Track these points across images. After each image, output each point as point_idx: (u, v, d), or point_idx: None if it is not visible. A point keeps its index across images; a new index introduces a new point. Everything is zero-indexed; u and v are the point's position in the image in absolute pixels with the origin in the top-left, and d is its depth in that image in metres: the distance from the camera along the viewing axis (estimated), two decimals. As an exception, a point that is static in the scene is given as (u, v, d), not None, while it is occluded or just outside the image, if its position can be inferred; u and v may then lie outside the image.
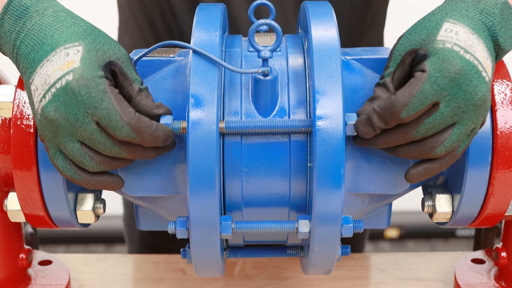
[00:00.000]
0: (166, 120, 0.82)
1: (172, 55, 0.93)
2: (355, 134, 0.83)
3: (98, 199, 0.93)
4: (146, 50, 0.90)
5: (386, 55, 0.93)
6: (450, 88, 0.78)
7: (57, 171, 0.83)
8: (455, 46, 0.79)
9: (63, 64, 0.78)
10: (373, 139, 0.83)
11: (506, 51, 0.86)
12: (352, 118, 0.83)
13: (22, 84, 0.88)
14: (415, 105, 0.78)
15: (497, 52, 0.85)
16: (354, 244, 1.30)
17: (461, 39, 0.80)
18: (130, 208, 1.39)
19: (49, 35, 0.80)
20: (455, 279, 1.07)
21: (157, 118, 0.83)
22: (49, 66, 0.79)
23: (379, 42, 1.34)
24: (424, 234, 3.05)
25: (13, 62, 0.85)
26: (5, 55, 0.86)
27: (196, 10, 0.91)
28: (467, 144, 0.83)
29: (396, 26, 1.31)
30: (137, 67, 0.89)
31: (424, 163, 0.84)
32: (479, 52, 0.80)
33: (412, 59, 0.83)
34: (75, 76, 0.77)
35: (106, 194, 0.98)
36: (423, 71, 0.79)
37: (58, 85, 0.77)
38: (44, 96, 0.78)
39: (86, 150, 0.79)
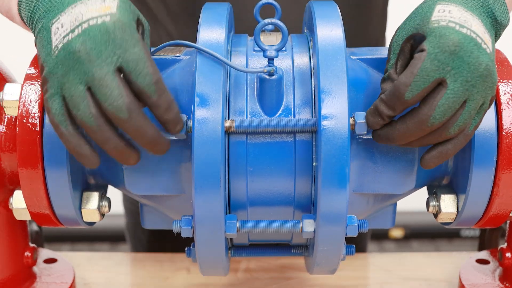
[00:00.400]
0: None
1: (178, 54, 0.93)
2: (365, 132, 0.83)
3: (103, 197, 0.94)
4: (153, 49, 0.90)
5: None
6: (452, 62, 0.77)
7: (47, 113, 0.78)
8: (450, 23, 0.79)
9: (100, 7, 0.78)
10: (390, 132, 0.81)
11: (504, 25, 0.85)
12: (362, 117, 0.83)
13: (27, 82, 0.88)
14: (418, 84, 0.77)
15: (496, 28, 0.85)
16: (357, 243, 1.30)
17: (454, 16, 0.80)
18: (134, 215, 1.39)
19: None
20: (460, 279, 1.07)
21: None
22: (83, 7, 0.78)
23: (381, 42, 1.34)
24: (428, 234, 3.05)
25: (23, 9, 0.84)
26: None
27: (202, 9, 0.92)
28: (478, 122, 0.82)
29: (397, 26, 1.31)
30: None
31: (437, 146, 0.83)
32: (475, 26, 0.80)
33: (411, 46, 0.83)
34: (112, 18, 0.77)
35: (111, 193, 0.98)
36: (422, 51, 0.79)
37: (91, 22, 0.76)
38: (72, 31, 0.77)
39: (88, 96, 0.76)
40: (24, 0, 0.84)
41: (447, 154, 0.83)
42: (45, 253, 1.14)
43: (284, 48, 0.92)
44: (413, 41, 0.83)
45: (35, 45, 0.82)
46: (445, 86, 0.78)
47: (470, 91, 0.78)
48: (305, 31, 0.99)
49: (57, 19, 0.79)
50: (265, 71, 0.85)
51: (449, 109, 0.78)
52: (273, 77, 0.85)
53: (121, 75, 0.76)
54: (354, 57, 0.93)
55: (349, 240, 0.94)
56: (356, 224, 0.85)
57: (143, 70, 0.76)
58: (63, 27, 0.78)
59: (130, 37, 0.77)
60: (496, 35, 0.86)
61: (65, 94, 0.76)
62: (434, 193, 0.95)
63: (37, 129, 0.86)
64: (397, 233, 3.03)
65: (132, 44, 0.76)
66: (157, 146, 0.80)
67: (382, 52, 0.95)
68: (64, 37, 0.77)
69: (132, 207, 1.39)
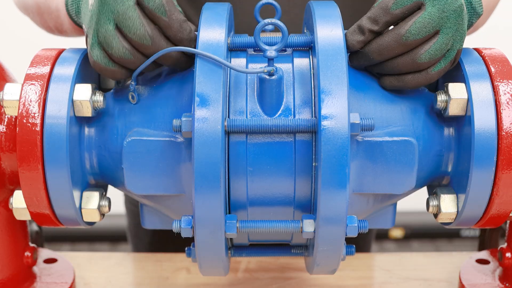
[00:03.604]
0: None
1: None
2: (358, 132, 0.83)
3: (104, 197, 0.94)
4: (152, 56, 0.89)
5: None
6: None
7: (93, 64, 0.89)
8: None
9: None
10: (369, 48, 0.87)
11: (478, 13, 0.92)
12: (357, 118, 0.83)
13: (27, 82, 0.88)
14: (402, 0, 0.86)
15: (470, 13, 0.92)
16: (361, 245, 1.30)
17: None
18: (136, 216, 1.39)
19: None
20: (460, 279, 1.07)
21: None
22: None
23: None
24: (428, 234, 3.05)
25: (70, 5, 0.99)
26: None
27: (202, 9, 0.92)
28: (443, 67, 0.88)
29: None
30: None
31: (404, 75, 0.89)
32: None
33: None
34: None
35: (110, 193, 0.98)
36: None
37: None
38: None
39: (117, 33, 0.86)
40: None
41: (404, 82, 0.89)
42: (45, 253, 1.14)
43: (284, 48, 0.92)
44: None
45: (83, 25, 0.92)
46: (423, 9, 0.86)
47: (443, 21, 0.86)
48: (305, 31, 0.99)
49: None
50: (265, 71, 0.85)
51: (424, 29, 0.86)
52: (273, 77, 0.85)
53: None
54: (354, 57, 0.93)
55: (354, 240, 0.94)
56: (356, 224, 0.85)
57: None
58: None
59: None
60: (469, 21, 0.92)
61: (100, 39, 0.87)
62: (434, 193, 0.95)
63: (37, 129, 0.86)
64: (397, 233, 3.03)
65: None
66: (181, 65, 0.90)
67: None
68: None
69: (134, 208, 1.39)
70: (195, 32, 0.88)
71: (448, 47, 0.88)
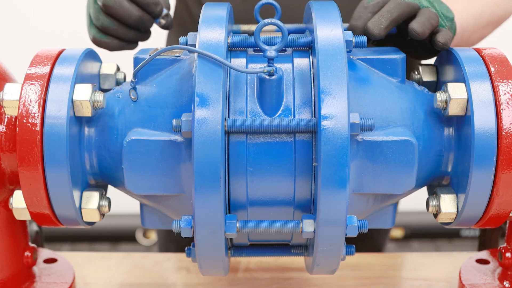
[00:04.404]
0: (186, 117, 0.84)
1: (177, 54, 0.93)
2: (358, 132, 0.83)
3: (104, 197, 0.94)
4: (153, 55, 0.90)
5: (392, 55, 0.93)
6: None
7: (91, 40, 1.06)
8: None
9: None
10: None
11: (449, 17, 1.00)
12: (357, 118, 0.83)
13: (27, 82, 0.88)
14: None
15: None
16: (377, 242, 1.30)
17: None
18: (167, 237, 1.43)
19: None
20: (460, 279, 1.07)
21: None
22: None
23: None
24: (428, 234, 3.04)
25: None
26: None
27: (202, 9, 0.92)
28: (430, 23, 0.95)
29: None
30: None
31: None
32: None
33: None
34: None
35: (110, 193, 0.98)
36: None
37: None
38: None
39: (101, 9, 1.02)
40: None
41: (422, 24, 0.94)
42: (45, 253, 1.14)
43: (284, 48, 0.92)
44: None
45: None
46: None
47: None
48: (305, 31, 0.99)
49: None
50: (265, 71, 0.85)
51: None
52: (273, 77, 0.85)
53: None
54: (354, 57, 0.93)
55: (370, 239, 0.94)
56: (356, 224, 0.85)
57: None
58: None
59: None
60: (440, 24, 0.98)
61: (92, 18, 1.04)
62: (434, 193, 0.95)
63: (37, 129, 0.86)
64: (397, 233, 3.03)
65: None
66: (144, 25, 1.04)
67: (382, 52, 0.95)
68: None
69: None
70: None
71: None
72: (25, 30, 2.91)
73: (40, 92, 0.87)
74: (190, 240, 0.91)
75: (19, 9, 2.91)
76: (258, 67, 0.88)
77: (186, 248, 0.96)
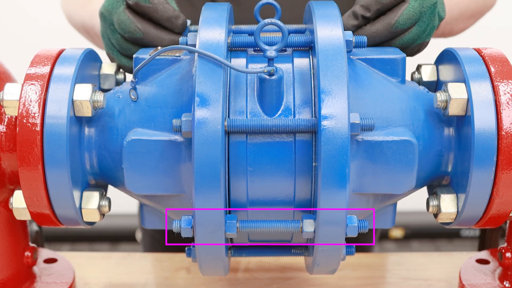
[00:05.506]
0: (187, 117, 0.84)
1: (178, 54, 0.93)
2: (358, 132, 0.83)
3: (104, 197, 0.94)
4: (153, 55, 0.90)
5: (392, 55, 0.93)
6: None
7: (121, 67, 1.01)
8: None
9: None
10: (359, 31, 0.97)
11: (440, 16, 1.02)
12: (357, 118, 0.83)
13: (27, 82, 0.88)
14: None
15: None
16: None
17: None
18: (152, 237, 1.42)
19: None
20: (460, 279, 1.07)
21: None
22: None
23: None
24: (428, 234, 3.05)
25: None
26: None
27: (202, 9, 0.92)
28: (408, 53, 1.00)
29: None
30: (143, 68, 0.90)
31: None
32: None
33: None
34: None
35: (110, 193, 0.98)
36: None
37: None
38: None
39: (121, 37, 0.98)
40: None
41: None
42: (45, 253, 1.14)
43: (284, 48, 0.92)
44: None
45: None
46: (407, 2, 0.96)
47: (421, 14, 0.96)
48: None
49: None
50: (265, 71, 0.85)
51: (409, 20, 0.96)
52: (273, 77, 0.85)
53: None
54: (354, 57, 0.93)
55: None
56: (356, 224, 0.85)
57: None
58: None
59: None
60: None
61: (117, 48, 1.00)
62: (434, 193, 0.95)
63: (37, 129, 0.86)
64: (397, 233, 3.03)
65: None
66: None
67: (383, 52, 0.95)
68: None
69: None
70: (178, 11, 0.97)
71: (418, 38, 0.98)
72: (25, 30, 2.92)
73: (40, 92, 0.87)
74: (177, 240, 0.91)
75: (19, 9, 2.91)
76: (258, 67, 0.88)
77: (186, 248, 0.96)
